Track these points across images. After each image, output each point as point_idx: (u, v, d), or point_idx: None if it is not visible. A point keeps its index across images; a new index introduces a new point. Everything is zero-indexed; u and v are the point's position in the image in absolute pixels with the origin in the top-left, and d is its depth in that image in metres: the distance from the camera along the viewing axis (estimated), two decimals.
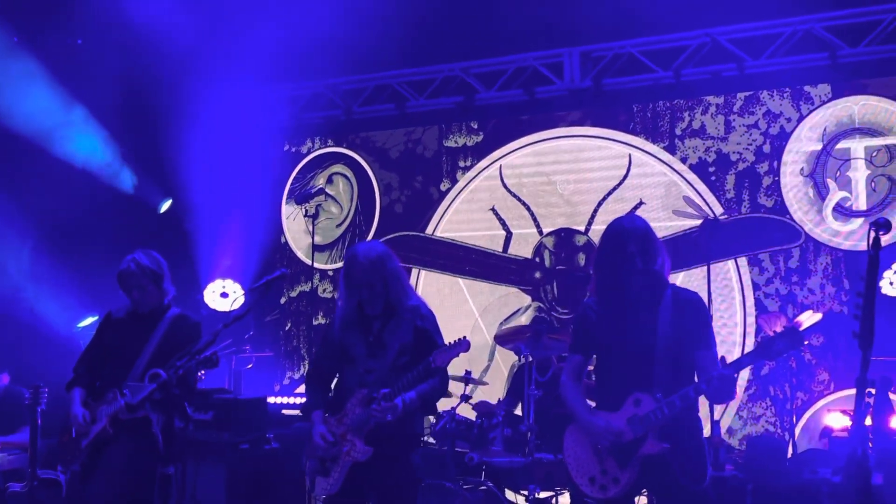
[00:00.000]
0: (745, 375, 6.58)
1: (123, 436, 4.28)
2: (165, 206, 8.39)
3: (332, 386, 4.11)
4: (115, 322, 4.59)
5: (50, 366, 5.13)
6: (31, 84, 7.41)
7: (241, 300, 7.69)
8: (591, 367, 3.98)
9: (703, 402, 3.69)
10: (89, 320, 7.24)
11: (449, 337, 3.93)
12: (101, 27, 7.28)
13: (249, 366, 7.44)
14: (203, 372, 6.44)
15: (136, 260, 4.45)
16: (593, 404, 3.78)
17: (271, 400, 6.66)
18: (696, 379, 3.62)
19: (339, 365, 4.02)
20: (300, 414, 6.46)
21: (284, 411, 6.74)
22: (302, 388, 7.79)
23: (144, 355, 4.37)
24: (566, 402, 3.75)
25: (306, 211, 7.80)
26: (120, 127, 7.97)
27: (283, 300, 8.37)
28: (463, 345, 3.78)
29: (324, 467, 3.89)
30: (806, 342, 6.09)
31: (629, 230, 3.60)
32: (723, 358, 3.52)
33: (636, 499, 3.97)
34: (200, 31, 7.20)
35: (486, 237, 7.69)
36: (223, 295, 7.84)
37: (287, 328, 8.36)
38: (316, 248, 7.85)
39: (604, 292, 3.72)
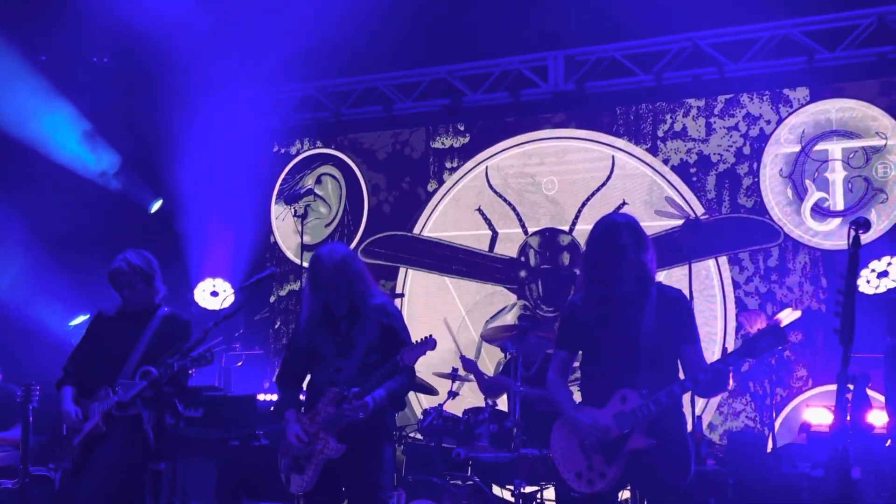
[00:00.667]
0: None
1: (115, 433, 4.25)
2: (156, 206, 8.35)
3: (304, 385, 4.11)
4: (106, 320, 4.55)
5: (42, 364, 5.08)
6: (23, 87, 7.36)
7: (231, 299, 7.68)
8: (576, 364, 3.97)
9: (684, 398, 3.68)
10: (80, 319, 7.19)
11: (433, 335, 3.93)
12: (93, 30, 7.22)
13: (239, 363, 7.42)
14: (192, 371, 6.41)
15: (126, 259, 4.41)
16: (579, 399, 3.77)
17: (261, 397, 6.62)
18: (681, 374, 3.61)
19: (309, 365, 4.03)
20: (272, 412, 6.46)
21: (274, 408, 6.70)
22: None
23: (135, 354, 4.34)
24: (552, 398, 3.74)
25: (295, 211, 7.78)
26: (111, 129, 7.92)
27: (272, 299, 8.34)
28: (429, 343, 3.81)
29: (298, 465, 3.91)
30: (790, 337, 6.14)
31: (621, 223, 3.60)
32: (724, 349, 3.52)
33: (620, 493, 3.98)
34: (192, 34, 7.17)
35: (473, 237, 7.68)
36: (213, 293, 7.81)
37: (276, 326, 8.33)
38: (305, 247, 7.81)
39: (591, 289, 3.70)
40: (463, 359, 6.02)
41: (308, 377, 4.10)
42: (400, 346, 3.89)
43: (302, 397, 4.13)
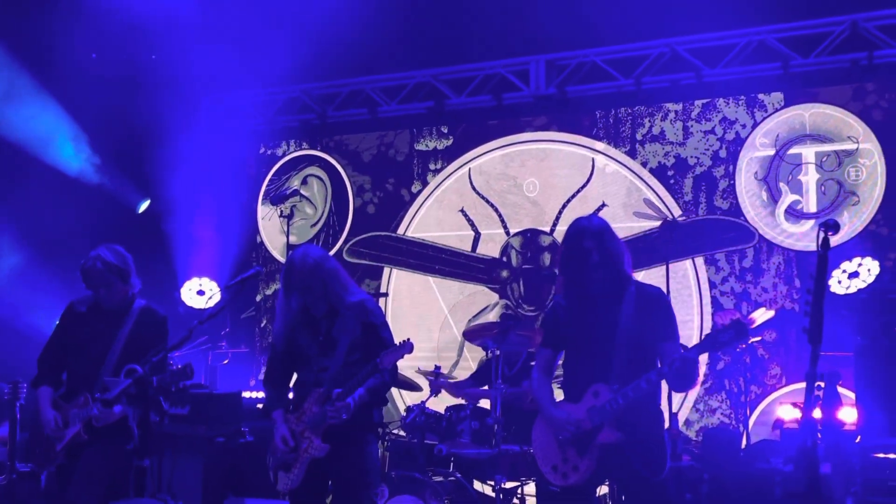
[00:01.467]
0: (701, 370, 6.62)
1: (99, 436, 4.21)
2: (144, 206, 8.30)
3: (290, 384, 4.11)
4: (80, 315, 4.43)
5: (29, 361, 5.03)
6: (15, 89, 7.32)
7: (217, 297, 7.64)
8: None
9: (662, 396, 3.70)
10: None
11: (417, 333, 3.95)
12: (83, 28, 7.18)
13: (225, 361, 7.39)
14: (189, 362, 6.38)
15: (100, 258, 4.27)
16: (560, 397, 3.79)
17: (246, 395, 6.59)
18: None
19: (295, 365, 4.03)
20: (260, 409, 6.44)
21: (259, 405, 6.68)
22: None
23: (114, 350, 4.28)
24: (534, 395, 3.76)
25: (281, 211, 7.73)
26: (99, 130, 7.88)
27: (258, 298, 8.32)
28: (407, 347, 3.83)
29: (285, 463, 3.91)
30: (757, 339, 6.17)
31: (585, 227, 3.64)
32: (683, 346, 3.53)
33: (598, 489, 3.99)
34: (181, 36, 7.14)
35: (456, 237, 7.68)
36: (200, 292, 7.77)
37: (262, 325, 8.30)
38: (291, 247, 7.79)
39: (568, 290, 3.73)
40: (433, 383, 5.96)
41: (294, 376, 4.10)
42: (381, 343, 3.89)
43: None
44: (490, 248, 7.55)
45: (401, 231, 7.89)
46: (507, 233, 7.49)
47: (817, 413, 3.06)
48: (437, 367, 5.97)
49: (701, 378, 6.61)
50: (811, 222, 6.48)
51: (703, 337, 3.55)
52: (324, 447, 3.82)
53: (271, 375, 4.12)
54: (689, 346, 3.55)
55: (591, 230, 3.60)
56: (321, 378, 3.89)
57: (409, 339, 3.85)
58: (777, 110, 6.67)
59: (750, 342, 5.87)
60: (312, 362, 3.95)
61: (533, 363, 5.45)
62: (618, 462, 3.51)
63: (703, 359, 6.62)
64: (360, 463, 3.90)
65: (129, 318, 4.35)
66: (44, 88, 7.47)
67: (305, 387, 3.95)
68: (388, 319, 4.46)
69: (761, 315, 3.56)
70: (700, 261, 6.80)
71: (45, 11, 7.06)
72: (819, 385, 3.03)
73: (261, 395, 6.85)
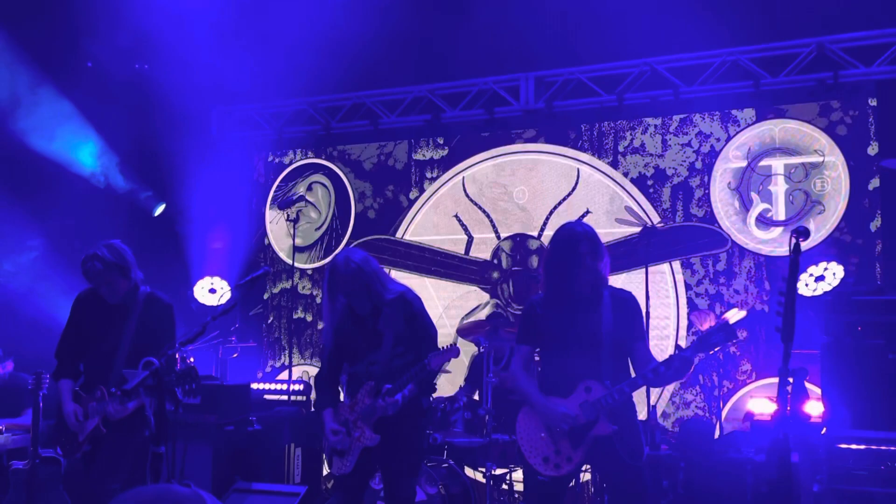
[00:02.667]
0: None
1: (117, 426, 4.17)
2: (159, 210, 8.28)
3: (339, 384, 4.15)
4: (88, 308, 4.33)
5: (51, 354, 5.01)
6: (45, 105, 7.30)
7: (228, 295, 7.61)
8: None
9: (640, 389, 3.70)
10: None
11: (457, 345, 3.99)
12: (110, 54, 7.19)
13: (235, 355, 7.36)
14: (192, 359, 6.36)
15: (97, 257, 4.15)
16: None
17: (254, 386, 6.58)
18: (630, 366, 3.64)
19: (347, 361, 4.05)
20: (308, 398, 6.46)
21: (266, 396, 6.67)
22: (283, 375, 7.71)
23: (125, 341, 4.21)
24: (519, 389, 3.74)
25: (288, 215, 7.74)
26: (120, 140, 7.86)
27: (266, 296, 8.29)
28: (453, 351, 3.87)
29: (340, 450, 3.94)
30: (739, 336, 6.18)
31: (580, 233, 3.63)
32: (678, 346, 3.55)
33: (580, 475, 3.99)
34: (196, 54, 7.12)
35: (450, 241, 7.67)
36: (211, 290, 7.75)
37: (269, 321, 8.28)
38: (296, 249, 7.79)
39: (552, 290, 3.71)
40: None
41: (346, 372, 4.12)
42: (424, 331, 3.94)
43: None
44: (482, 251, 7.54)
45: (399, 235, 7.88)
46: (498, 237, 7.48)
47: (787, 406, 3.06)
48: None
49: (657, 391, 6.61)
50: (780, 229, 6.49)
51: (696, 338, 3.55)
52: (375, 437, 3.87)
53: (323, 374, 4.14)
54: (683, 345, 3.57)
55: (586, 236, 3.60)
56: (371, 371, 3.93)
57: (455, 344, 3.88)
58: (749, 125, 6.68)
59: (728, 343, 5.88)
60: (362, 357, 3.98)
61: None
62: (605, 451, 3.52)
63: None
64: (406, 454, 3.95)
65: (135, 309, 4.26)
66: (69, 102, 7.45)
67: (358, 379, 3.98)
68: None
69: (734, 315, 3.55)
70: (677, 264, 6.80)
71: (68, 27, 7.03)
72: (788, 380, 3.02)
73: (267, 386, 6.84)
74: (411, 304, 3.99)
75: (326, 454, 4.07)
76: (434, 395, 5.77)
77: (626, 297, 3.69)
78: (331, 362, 4.09)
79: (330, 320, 4.03)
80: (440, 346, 3.95)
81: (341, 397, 4.16)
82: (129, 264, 4.26)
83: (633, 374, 3.60)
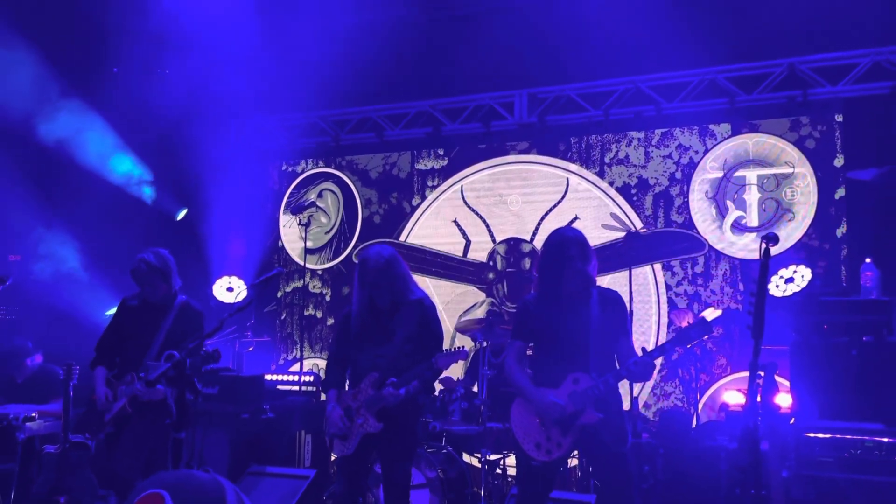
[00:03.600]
0: (659, 360, 6.63)
1: (142, 410, 4.20)
2: (181, 214, 8.29)
3: (348, 367, 4.10)
4: (131, 308, 4.49)
5: (81, 347, 5.03)
6: (81, 121, 7.35)
7: (244, 293, 7.62)
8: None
9: (624, 381, 3.71)
10: (114, 309, 7.12)
11: (465, 347, 3.97)
12: (138, 75, 7.23)
13: (250, 349, 7.36)
14: (217, 348, 6.36)
15: (144, 261, 4.33)
16: None
17: (268, 377, 6.58)
18: (616, 361, 3.65)
19: (355, 349, 4.01)
20: (318, 388, 6.44)
21: (279, 387, 6.67)
22: (294, 368, 7.72)
23: (158, 338, 4.30)
24: (513, 382, 3.74)
25: (300, 220, 7.74)
26: (147, 150, 7.89)
27: (279, 294, 8.29)
28: (461, 353, 3.83)
29: (342, 434, 3.92)
30: (714, 332, 6.18)
31: (571, 238, 3.64)
32: (643, 348, 3.56)
33: (569, 460, 4.00)
34: (217, 71, 7.15)
35: (449, 244, 7.67)
36: (229, 289, 7.75)
37: (282, 318, 8.28)
38: (308, 251, 7.79)
39: (544, 290, 3.72)
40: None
41: (354, 359, 4.08)
42: (433, 341, 3.90)
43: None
44: (479, 253, 7.55)
45: (402, 238, 7.88)
46: (494, 241, 7.49)
47: (758, 398, 3.07)
48: None
49: (655, 376, 6.62)
50: (753, 235, 6.50)
51: (674, 333, 3.57)
52: (378, 425, 3.84)
53: (337, 355, 4.09)
54: (660, 341, 3.58)
55: (576, 240, 3.62)
56: (377, 364, 3.89)
57: (463, 347, 3.85)
58: (725, 139, 6.68)
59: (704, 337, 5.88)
60: (371, 349, 3.93)
61: None
62: (592, 438, 3.52)
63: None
64: (404, 441, 3.93)
65: (171, 312, 4.38)
66: (100, 117, 7.49)
67: (363, 369, 3.94)
68: None
69: (710, 313, 3.57)
70: (658, 266, 6.81)
71: (94, 42, 7.04)
72: (760, 374, 3.03)
73: (280, 377, 6.84)
74: (427, 310, 3.97)
75: (328, 437, 4.01)
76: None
77: (612, 296, 3.70)
78: (348, 346, 4.05)
79: (357, 307, 3.99)
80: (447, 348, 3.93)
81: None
82: (170, 270, 4.43)
83: (617, 367, 3.61)
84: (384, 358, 3.89)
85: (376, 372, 3.87)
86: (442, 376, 5.97)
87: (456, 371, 6.80)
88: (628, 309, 3.97)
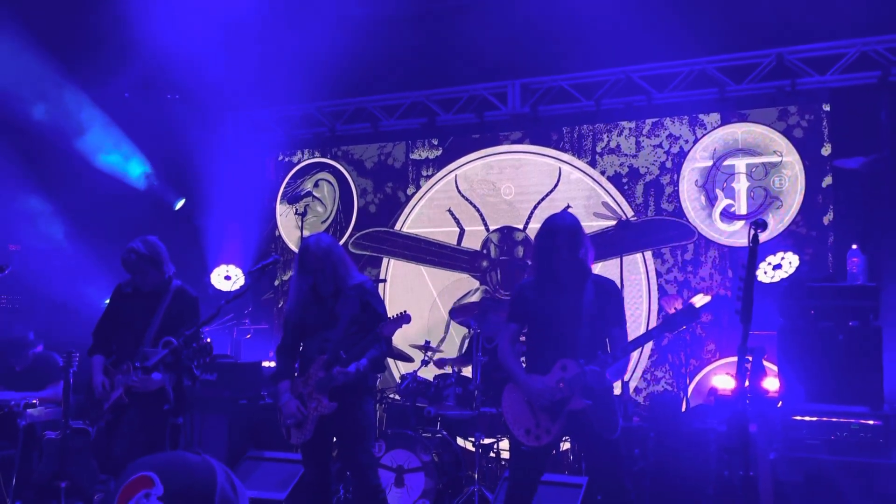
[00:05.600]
0: (649, 345, 6.63)
1: (140, 396, 4.18)
2: (179, 204, 8.25)
3: (297, 355, 4.08)
4: (125, 295, 4.42)
5: (79, 334, 5.01)
6: (79, 111, 7.29)
7: (242, 282, 7.60)
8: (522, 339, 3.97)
9: None
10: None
11: (411, 311, 3.93)
12: (140, 70, 7.18)
13: (248, 336, 7.34)
14: (209, 340, 6.33)
15: (133, 250, 4.25)
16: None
17: (265, 364, 6.56)
18: (608, 347, 3.63)
19: (302, 336, 3.99)
20: (270, 378, 6.40)
21: (272, 377, 6.65)
22: None
23: (154, 325, 4.27)
24: (505, 366, 3.73)
25: (296, 209, 7.71)
26: (145, 142, 7.84)
27: (276, 282, 8.27)
28: (405, 318, 3.81)
29: (297, 421, 3.89)
30: (701, 317, 6.18)
31: (559, 226, 3.61)
32: (648, 326, 3.53)
33: (560, 445, 3.99)
34: (213, 63, 7.09)
35: (444, 233, 7.66)
36: (227, 277, 7.72)
37: (280, 305, 8.26)
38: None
39: (538, 275, 3.71)
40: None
41: (301, 347, 4.07)
42: (377, 318, 3.87)
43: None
44: (473, 242, 7.53)
45: (398, 227, 7.86)
46: (487, 229, 7.47)
47: (746, 382, 3.06)
48: (427, 342, 5.95)
49: (645, 363, 6.62)
50: (741, 222, 6.49)
51: (661, 319, 3.56)
52: (332, 405, 3.80)
53: (284, 346, 4.09)
54: (650, 326, 3.57)
55: (564, 228, 3.59)
56: (324, 348, 3.86)
57: (405, 311, 3.82)
58: (714, 128, 6.67)
59: (691, 323, 5.88)
60: (318, 334, 3.92)
61: None
62: (581, 425, 3.51)
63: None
64: (359, 420, 3.89)
65: (166, 298, 4.34)
66: (100, 109, 7.45)
67: (310, 355, 3.93)
68: (386, 302, 4.43)
69: (700, 300, 3.55)
70: (649, 254, 6.80)
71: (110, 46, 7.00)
72: (748, 358, 3.03)
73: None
74: (369, 292, 3.96)
75: (283, 427, 3.98)
76: (421, 373, 5.77)
77: (607, 285, 3.68)
78: (294, 335, 4.03)
79: (296, 296, 3.99)
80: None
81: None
82: (162, 258, 4.35)
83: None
84: (331, 342, 3.86)
85: (324, 354, 3.84)
86: (440, 358, 5.98)
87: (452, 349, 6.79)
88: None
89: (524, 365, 3.72)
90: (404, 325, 3.81)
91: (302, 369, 3.97)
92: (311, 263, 3.87)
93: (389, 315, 3.88)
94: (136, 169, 7.84)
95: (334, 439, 4.03)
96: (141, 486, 1.16)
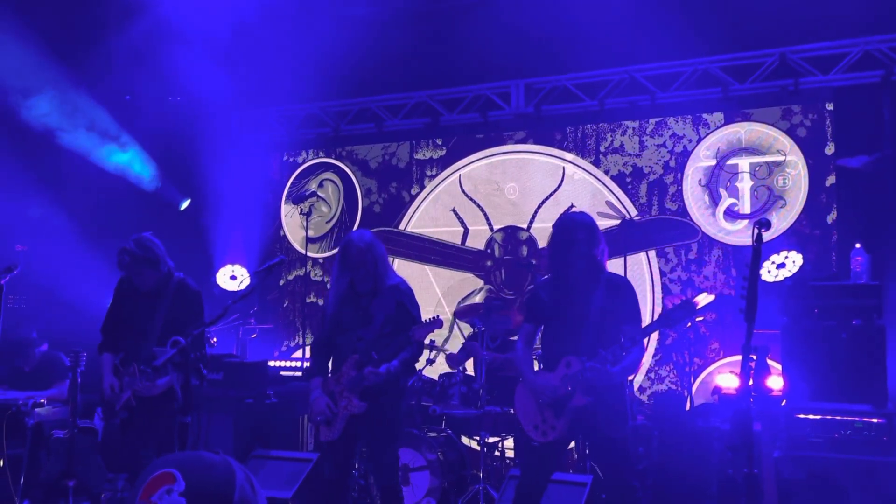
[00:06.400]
0: (653, 344, 6.65)
1: (147, 399, 4.20)
2: (185, 204, 8.28)
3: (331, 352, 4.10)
4: (127, 291, 4.38)
5: (84, 334, 5.04)
6: (87, 115, 7.32)
7: (248, 282, 7.62)
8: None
9: None
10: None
11: (440, 316, 3.96)
12: (146, 76, 7.21)
13: (254, 335, 7.37)
14: (215, 339, 6.37)
15: (127, 252, 4.18)
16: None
17: (271, 363, 6.60)
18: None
19: (335, 334, 4.01)
20: (301, 375, 6.42)
21: (282, 373, 6.69)
22: (297, 354, 7.74)
23: (156, 323, 4.25)
24: (516, 364, 3.77)
25: (301, 210, 7.73)
26: (151, 142, 7.87)
27: (281, 282, 8.29)
28: (437, 323, 3.82)
29: (327, 419, 3.91)
30: (700, 318, 6.19)
31: (579, 222, 3.64)
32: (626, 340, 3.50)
33: (569, 444, 4.00)
34: (219, 64, 7.12)
35: (448, 232, 7.68)
36: (232, 277, 7.75)
37: (285, 305, 8.29)
38: (309, 240, 7.78)
39: (553, 273, 3.73)
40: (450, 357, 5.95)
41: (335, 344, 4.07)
42: (411, 320, 3.88)
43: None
44: (477, 241, 7.55)
45: (402, 227, 7.88)
46: (491, 229, 7.49)
47: (750, 381, 3.08)
48: (432, 342, 5.97)
49: (649, 362, 6.63)
50: (745, 222, 6.50)
51: (659, 315, 3.57)
52: (362, 405, 3.81)
53: (319, 342, 4.09)
54: (645, 323, 3.58)
55: (583, 224, 3.62)
56: (357, 347, 3.87)
57: (438, 317, 3.84)
58: (718, 127, 6.68)
59: (696, 320, 5.90)
60: (351, 333, 3.92)
61: (512, 338, 5.49)
62: (587, 422, 3.53)
63: (655, 335, 6.64)
64: (389, 421, 3.91)
65: (167, 294, 4.29)
66: (104, 110, 7.47)
67: (343, 353, 3.93)
68: None
69: (703, 299, 3.56)
70: (652, 253, 6.82)
71: (107, 49, 7.02)
72: (752, 357, 3.04)
73: (283, 363, 6.85)
74: (405, 293, 3.98)
75: (312, 423, 4.01)
76: (426, 372, 5.79)
77: (621, 283, 3.70)
78: (330, 332, 4.04)
79: (335, 292, 3.99)
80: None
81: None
82: (158, 256, 4.27)
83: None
84: (364, 341, 3.88)
85: (357, 354, 3.86)
86: (450, 353, 5.99)
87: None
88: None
89: (541, 364, 3.75)
90: (436, 330, 3.83)
91: (335, 367, 3.99)
92: (354, 257, 3.87)
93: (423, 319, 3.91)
94: (143, 170, 7.87)
95: (360, 441, 4.06)
96: (163, 482, 1.19)
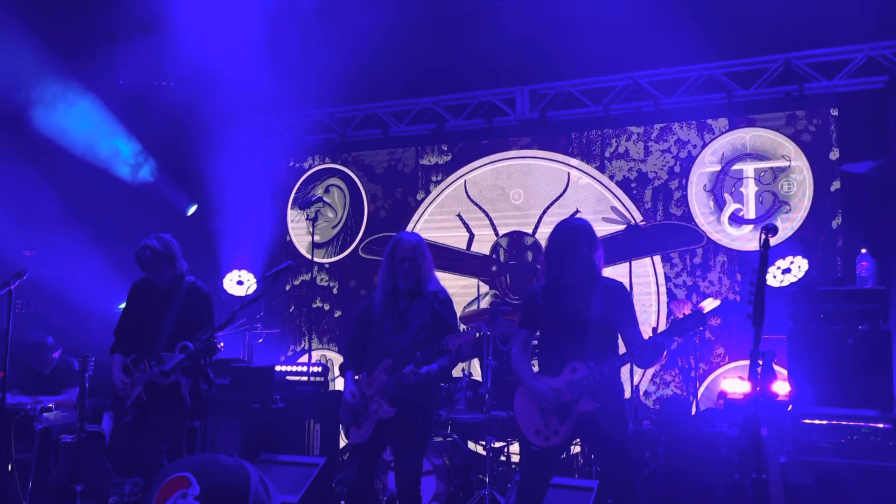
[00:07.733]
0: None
1: (158, 398, 4.22)
2: (192, 210, 8.30)
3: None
4: (141, 294, 4.46)
5: (96, 339, 5.05)
6: (96, 121, 7.36)
7: (254, 287, 7.62)
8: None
9: (624, 369, 3.71)
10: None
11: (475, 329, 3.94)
12: (145, 67, 7.22)
13: (260, 340, 7.37)
14: (222, 344, 6.37)
15: (148, 247, 4.29)
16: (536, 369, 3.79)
17: (278, 368, 6.59)
18: (621, 350, 3.64)
19: (370, 336, 3.99)
20: (338, 372, 6.44)
21: (288, 377, 6.68)
22: (303, 359, 7.73)
23: (167, 324, 4.30)
24: (515, 369, 3.76)
25: (307, 215, 7.74)
26: (158, 148, 7.90)
27: (288, 287, 8.30)
28: (471, 333, 3.81)
29: (356, 420, 3.91)
30: (710, 322, 6.18)
31: (578, 225, 3.65)
32: (655, 329, 3.56)
33: (571, 447, 4.00)
34: (225, 71, 7.14)
35: (453, 238, 7.68)
36: (239, 282, 7.76)
37: (291, 310, 8.29)
38: (315, 245, 7.80)
39: (550, 278, 3.73)
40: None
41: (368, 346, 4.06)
42: (448, 328, 3.87)
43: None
44: (482, 246, 7.55)
45: None
46: (497, 234, 7.49)
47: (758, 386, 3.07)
48: None
49: (640, 372, 6.62)
50: (750, 227, 6.49)
51: (669, 324, 3.56)
52: (391, 410, 3.82)
53: (355, 341, 4.08)
54: (659, 331, 3.58)
55: (584, 229, 3.63)
56: (391, 352, 3.87)
57: (472, 328, 3.83)
58: (722, 133, 6.67)
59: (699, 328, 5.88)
60: (385, 336, 3.92)
61: None
62: (591, 426, 3.53)
63: None
64: (419, 427, 3.91)
65: (178, 295, 4.35)
66: (114, 115, 7.50)
67: (376, 357, 3.92)
68: None
69: (709, 304, 3.55)
70: (658, 258, 6.81)
71: (103, 36, 7.03)
72: (758, 362, 3.03)
73: (289, 368, 6.85)
74: (444, 302, 3.97)
75: (344, 425, 4.01)
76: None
77: (616, 287, 3.70)
78: (365, 332, 4.04)
79: (381, 293, 3.97)
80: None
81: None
82: (176, 255, 4.39)
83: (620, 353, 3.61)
84: (398, 346, 3.88)
85: (389, 359, 3.86)
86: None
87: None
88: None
89: (537, 368, 3.74)
90: (469, 340, 3.82)
91: (368, 370, 3.99)
92: (404, 248, 3.88)
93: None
94: (142, 171, 7.88)
95: (387, 444, 4.06)
96: (178, 486, 1.19)
